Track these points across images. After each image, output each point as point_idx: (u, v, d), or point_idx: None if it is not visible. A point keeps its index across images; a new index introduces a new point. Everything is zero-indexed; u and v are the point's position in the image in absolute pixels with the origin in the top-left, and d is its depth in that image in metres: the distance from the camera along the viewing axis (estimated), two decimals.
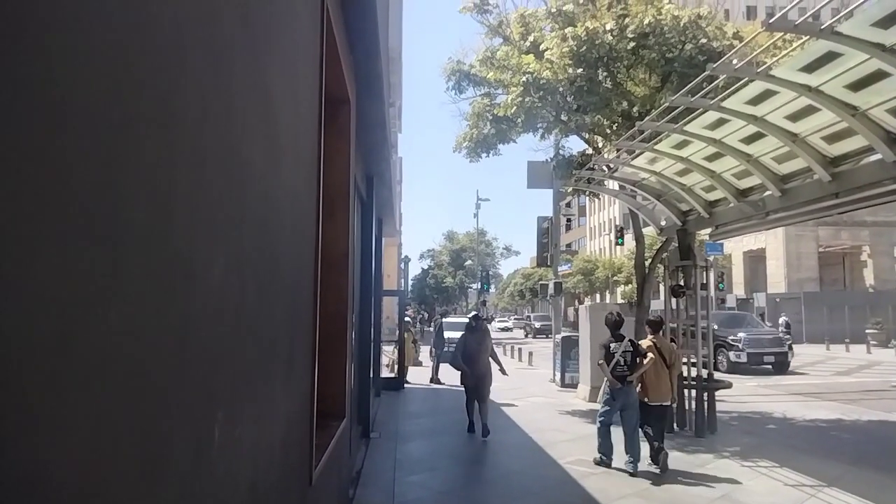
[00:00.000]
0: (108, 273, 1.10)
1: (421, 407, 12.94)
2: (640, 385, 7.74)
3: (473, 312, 11.40)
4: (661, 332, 8.26)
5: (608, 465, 7.59)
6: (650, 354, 7.69)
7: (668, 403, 8.01)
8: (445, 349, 16.62)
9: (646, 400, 7.66)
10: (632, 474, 7.24)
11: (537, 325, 46.41)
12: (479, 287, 44.06)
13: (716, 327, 15.66)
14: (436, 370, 16.66)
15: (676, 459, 7.97)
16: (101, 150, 1.07)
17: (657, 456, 7.34)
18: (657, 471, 7.27)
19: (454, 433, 9.69)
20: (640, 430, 7.52)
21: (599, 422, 7.77)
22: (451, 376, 15.87)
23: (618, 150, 10.26)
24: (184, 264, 1.49)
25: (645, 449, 7.46)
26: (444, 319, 21.68)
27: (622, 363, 7.55)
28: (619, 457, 7.47)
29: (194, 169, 1.56)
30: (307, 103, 3.35)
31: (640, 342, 8.05)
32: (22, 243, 0.85)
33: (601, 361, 7.72)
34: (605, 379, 7.82)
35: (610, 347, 7.68)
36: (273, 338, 2.53)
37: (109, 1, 1.09)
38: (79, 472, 1.02)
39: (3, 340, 0.80)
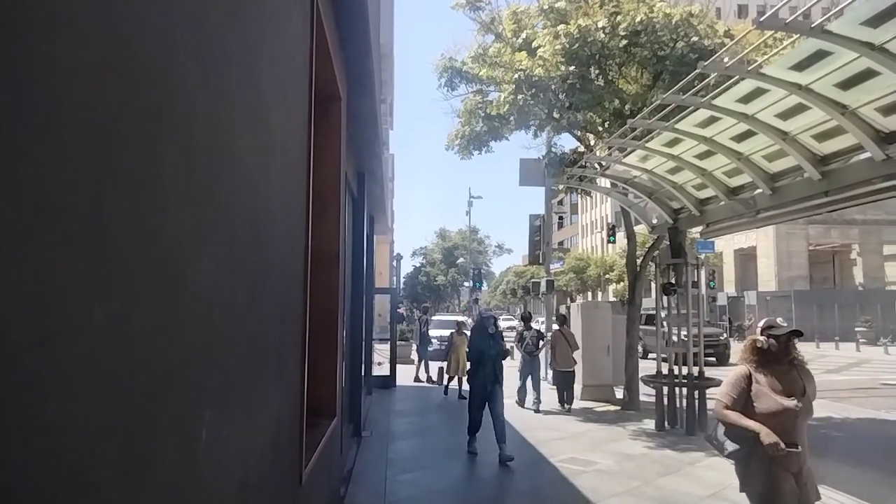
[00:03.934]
0: (93, 271, 1.09)
1: (413, 405, 12.93)
2: (552, 358, 12.49)
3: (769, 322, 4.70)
4: (565, 324, 12.83)
5: (522, 406, 12.00)
6: (549, 338, 12.65)
7: (571, 370, 12.20)
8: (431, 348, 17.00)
9: (556, 367, 12.37)
10: (536, 411, 11.51)
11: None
12: (472, 285, 44.07)
13: None
14: (426, 368, 16.72)
15: (667, 457, 8.01)
16: (88, 148, 1.06)
17: (562, 403, 11.98)
18: (563, 411, 11.72)
19: (446, 431, 9.68)
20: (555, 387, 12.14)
21: (521, 381, 12.17)
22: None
23: (609, 148, 10.27)
24: (172, 262, 1.48)
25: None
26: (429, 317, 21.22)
27: (531, 343, 12.08)
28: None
29: (182, 167, 1.54)
30: (298, 100, 3.33)
31: (556, 330, 12.75)
32: (3, 239, 0.83)
33: (516, 342, 12.52)
34: (521, 353, 12.31)
35: (523, 333, 12.37)
36: (262, 336, 2.52)
37: None
38: (64, 473, 1.00)
39: None
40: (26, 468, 0.89)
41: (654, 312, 23.90)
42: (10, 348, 0.85)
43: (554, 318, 13.51)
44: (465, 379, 13.64)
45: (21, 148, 0.87)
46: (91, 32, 1.06)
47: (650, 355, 22.03)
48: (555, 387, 12.71)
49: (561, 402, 12.01)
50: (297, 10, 3.19)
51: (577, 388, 13.17)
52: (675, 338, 10.30)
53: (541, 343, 12.33)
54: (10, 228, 0.85)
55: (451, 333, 14.36)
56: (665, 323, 10.50)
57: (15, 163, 0.86)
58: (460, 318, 17.77)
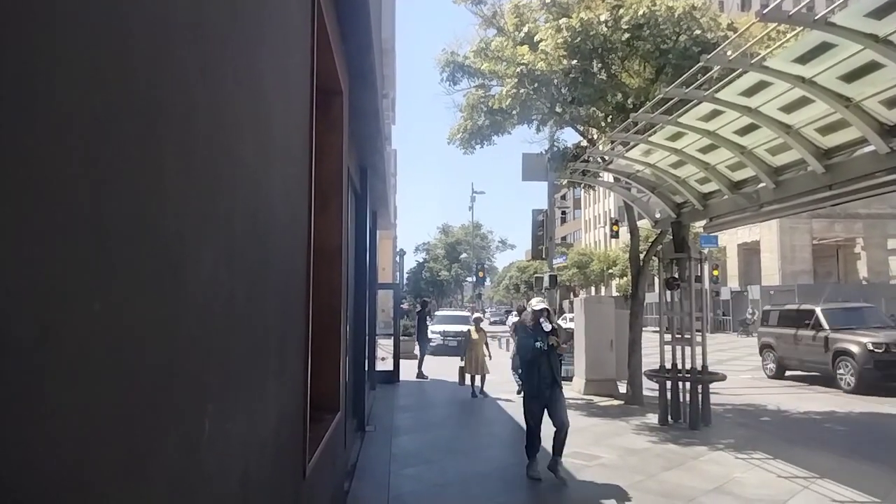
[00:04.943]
0: (92, 266, 1.08)
1: (416, 400, 12.95)
2: None
3: None
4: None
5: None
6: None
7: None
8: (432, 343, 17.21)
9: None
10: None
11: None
12: (475, 280, 44.13)
13: None
14: (420, 364, 16.80)
15: (670, 451, 8.02)
16: (85, 144, 1.05)
17: None
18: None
19: (449, 426, 9.70)
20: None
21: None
22: (436, 371, 15.98)
23: (612, 142, 10.23)
24: (172, 258, 1.47)
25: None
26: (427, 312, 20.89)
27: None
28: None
29: (182, 162, 1.54)
30: (299, 95, 3.32)
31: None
32: (3, 237, 0.83)
33: (511, 333, 12.79)
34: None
35: (516, 325, 11.99)
36: (264, 332, 2.52)
37: None
38: (65, 467, 1.00)
39: None
40: (26, 461, 0.89)
41: (794, 309, 16.01)
42: (9, 343, 0.85)
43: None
44: (485, 377, 13.17)
45: (21, 145, 0.87)
46: (83, 26, 1.05)
47: (787, 373, 16.30)
48: None
49: None
50: (298, 3, 3.18)
51: (581, 382, 13.25)
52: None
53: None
54: (10, 225, 0.85)
55: (469, 330, 13.86)
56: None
57: (15, 160, 0.85)
58: (477, 314, 17.30)
